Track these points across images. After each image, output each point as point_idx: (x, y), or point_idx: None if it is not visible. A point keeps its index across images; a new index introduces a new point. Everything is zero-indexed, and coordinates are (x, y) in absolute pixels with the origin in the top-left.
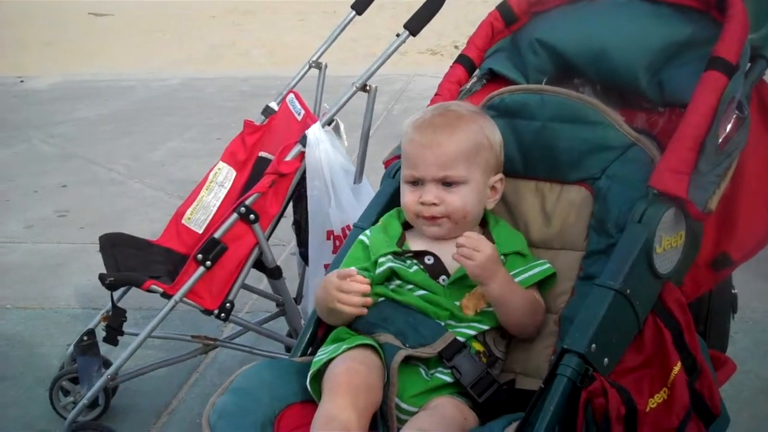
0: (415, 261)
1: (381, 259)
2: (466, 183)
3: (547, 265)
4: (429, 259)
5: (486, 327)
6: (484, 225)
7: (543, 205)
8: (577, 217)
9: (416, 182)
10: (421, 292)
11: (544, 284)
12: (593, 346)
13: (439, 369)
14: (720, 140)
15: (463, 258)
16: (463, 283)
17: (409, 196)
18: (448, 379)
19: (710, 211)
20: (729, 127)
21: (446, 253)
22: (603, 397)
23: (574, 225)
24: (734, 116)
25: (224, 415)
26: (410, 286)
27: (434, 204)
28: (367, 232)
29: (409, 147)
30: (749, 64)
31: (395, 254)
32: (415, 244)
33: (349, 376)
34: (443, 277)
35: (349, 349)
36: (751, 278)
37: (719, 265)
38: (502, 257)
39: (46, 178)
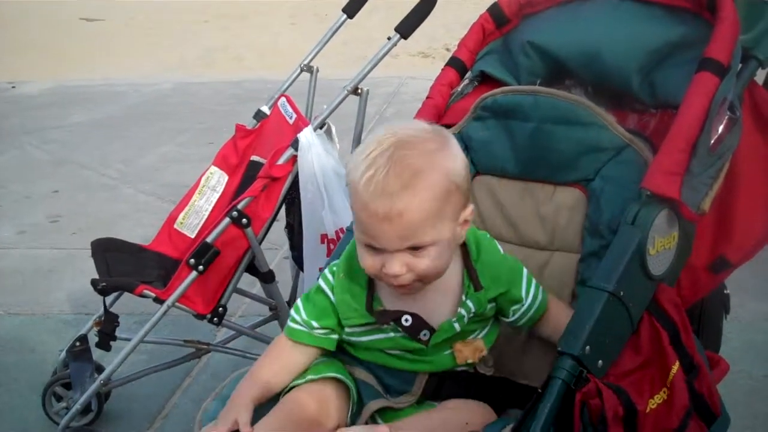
0: (391, 325)
1: (349, 329)
2: (435, 244)
3: (540, 299)
4: (407, 320)
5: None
6: (464, 252)
7: (536, 206)
8: (571, 219)
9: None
10: (396, 352)
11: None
12: (587, 348)
13: (428, 402)
14: (712, 141)
15: None
16: (450, 339)
17: (368, 260)
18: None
19: (703, 213)
20: (721, 128)
21: (424, 306)
22: (598, 399)
23: (568, 227)
24: (726, 117)
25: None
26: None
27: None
28: (330, 278)
29: (362, 214)
30: (741, 65)
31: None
32: (387, 298)
33: (291, 409)
34: (425, 332)
35: (313, 380)
36: (744, 278)
37: (718, 268)
38: (491, 304)
39: (39, 183)
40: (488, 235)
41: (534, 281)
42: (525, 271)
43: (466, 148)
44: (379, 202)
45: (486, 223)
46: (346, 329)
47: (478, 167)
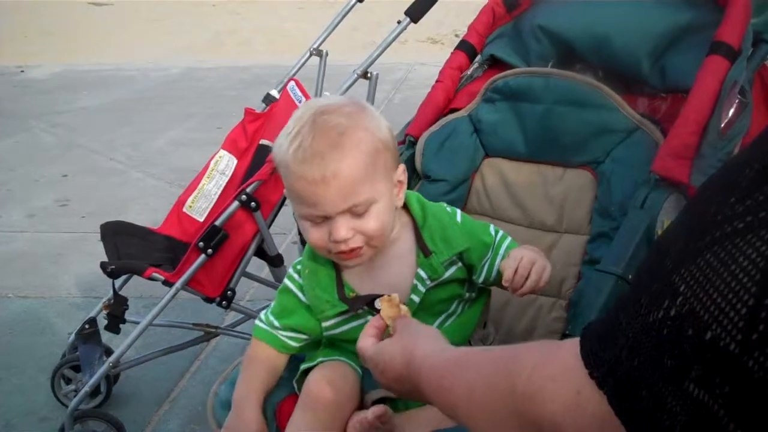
0: (366, 309)
1: (326, 323)
2: (375, 202)
3: (507, 240)
4: (379, 304)
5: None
6: (413, 221)
7: (545, 188)
8: (580, 201)
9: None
10: None
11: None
12: None
13: None
14: (722, 125)
15: (533, 286)
16: (429, 308)
17: (315, 234)
18: None
19: None
20: (731, 111)
21: (389, 281)
22: None
23: (577, 208)
24: (736, 101)
25: (228, 406)
26: None
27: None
28: (296, 277)
29: (297, 185)
30: (751, 49)
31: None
32: (354, 280)
33: (322, 391)
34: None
35: (323, 362)
36: None
37: None
38: (453, 267)
39: (47, 167)
40: (440, 205)
41: (501, 232)
42: (492, 226)
43: (476, 130)
44: (313, 166)
45: (494, 205)
46: (323, 324)
47: (487, 149)
